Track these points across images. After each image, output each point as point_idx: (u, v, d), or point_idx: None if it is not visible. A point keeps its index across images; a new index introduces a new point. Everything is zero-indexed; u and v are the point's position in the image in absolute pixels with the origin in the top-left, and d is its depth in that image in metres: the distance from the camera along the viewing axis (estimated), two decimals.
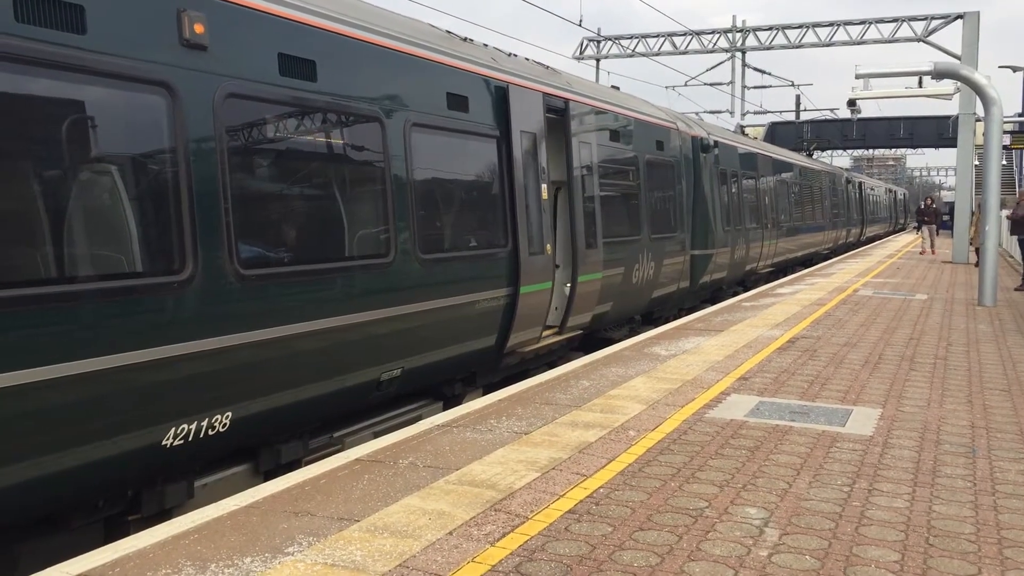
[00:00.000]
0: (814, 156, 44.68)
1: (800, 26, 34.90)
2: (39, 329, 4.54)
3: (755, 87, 46.04)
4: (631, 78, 41.64)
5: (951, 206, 37.71)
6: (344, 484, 5.27)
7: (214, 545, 4.34)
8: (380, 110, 7.30)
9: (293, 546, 4.32)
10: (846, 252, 35.52)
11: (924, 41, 30.82)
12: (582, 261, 10.66)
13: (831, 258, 31.42)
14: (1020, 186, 40.29)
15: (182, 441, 5.45)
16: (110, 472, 5.08)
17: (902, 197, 71.61)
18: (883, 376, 8.64)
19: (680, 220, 15.05)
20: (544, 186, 10.10)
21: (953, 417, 7.01)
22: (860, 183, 43.02)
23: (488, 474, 5.45)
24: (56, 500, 4.92)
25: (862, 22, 33.45)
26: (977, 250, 20.41)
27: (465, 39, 9.38)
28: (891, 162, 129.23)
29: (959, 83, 19.94)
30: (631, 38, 37.82)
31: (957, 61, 24.32)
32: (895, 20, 32.28)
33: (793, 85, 47.71)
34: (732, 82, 41.07)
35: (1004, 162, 40.03)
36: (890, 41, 32.45)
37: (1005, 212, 24.70)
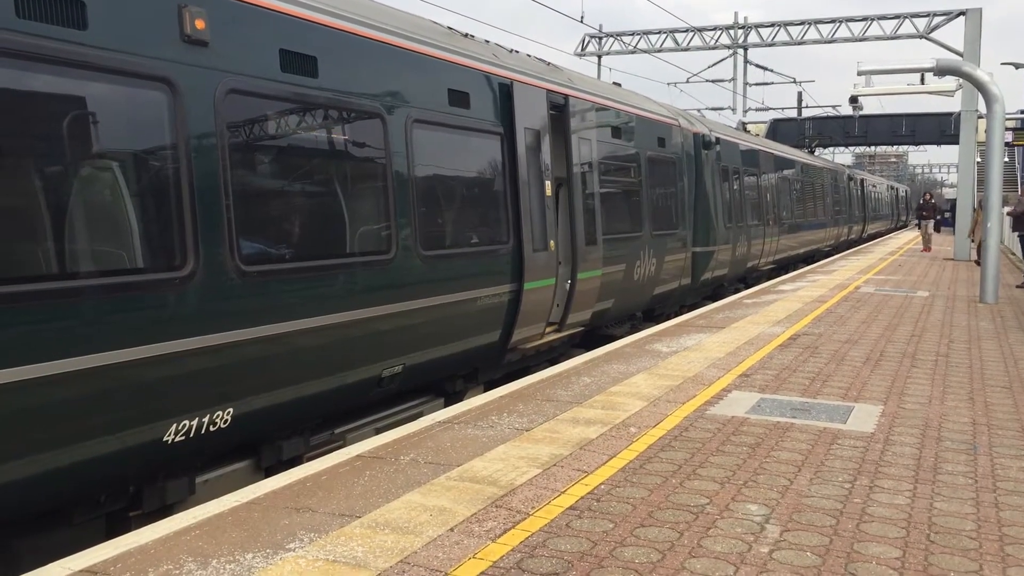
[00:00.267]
0: (816, 153, 44.65)
1: (802, 23, 34.87)
2: (41, 325, 4.54)
3: (757, 84, 46.05)
4: (633, 75, 41.79)
5: (953, 203, 37.69)
6: (345, 480, 5.28)
7: (215, 541, 4.34)
8: (381, 106, 7.29)
9: (294, 542, 4.32)
10: (848, 249, 35.50)
11: (926, 38, 30.78)
12: (582, 258, 10.65)
13: (833, 255, 31.40)
14: (1022, 183, 40.28)
15: (183, 437, 5.45)
16: (112, 468, 5.08)
17: (903, 194, 71.53)
18: (884, 373, 8.64)
19: (682, 217, 15.04)
20: (548, 183, 10.11)
21: (954, 414, 7.01)
22: (862, 180, 42.98)
23: (489, 470, 5.45)
24: (58, 496, 4.92)
25: (864, 19, 33.42)
26: (979, 247, 20.39)
27: (466, 35, 9.37)
28: (893, 159, 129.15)
29: (961, 80, 19.92)
30: (633, 34, 37.79)
31: (959, 58, 24.29)
32: (897, 17, 32.24)
33: (795, 82, 47.68)
34: (734, 79, 41.03)
35: (1006, 159, 40.01)
36: (892, 38, 32.43)
37: (1007, 209, 24.68)
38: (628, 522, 4.60)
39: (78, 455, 4.81)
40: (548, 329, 10.51)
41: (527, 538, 4.38)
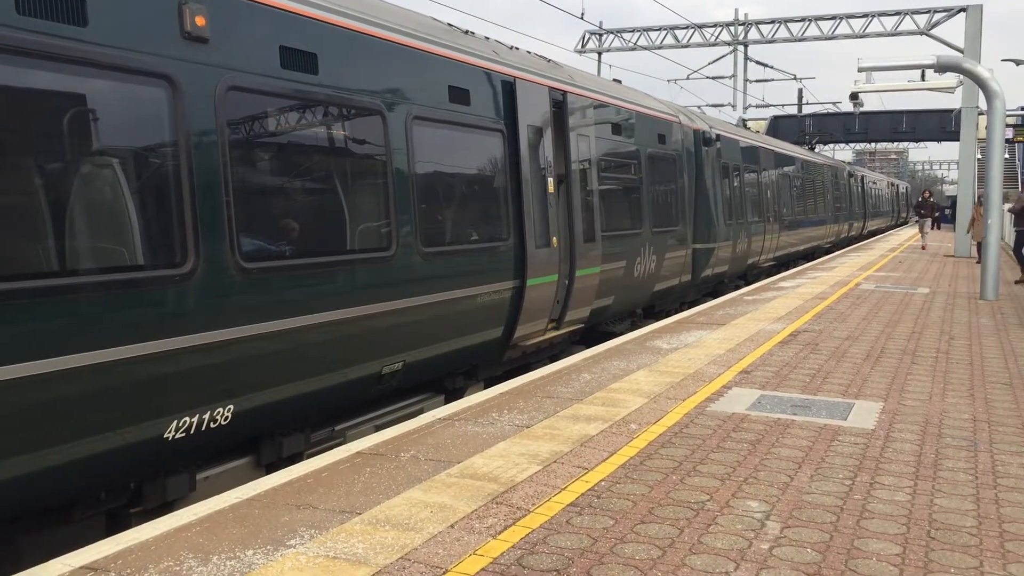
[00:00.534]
0: (816, 149, 44.63)
1: (802, 19, 34.86)
2: (40, 322, 4.54)
3: (757, 80, 46.00)
4: (633, 71, 41.79)
5: (953, 200, 37.68)
6: (346, 477, 5.28)
7: (216, 537, 4.35)
8: (382, 103, 7.29)
9: (295, 539, 4.33)
10: (848, 246, 35.49)
11: (927, 34, 30.76)
12: (580, 255, 10.64)
13: (833, 252, 31.40)
14: (1023, 180, 40.26)
15: (184, 434, 5.45)
16: (113, 464, 5.09)
17: (904, 191, 71.51)
18: (885, 370, 8.64)
19: (682, 214, 15.04)
20: (550, 180, 10.12)
21: (955, 411, 7.01)
22: (862, 176, 42.97)
23: (490, 467, 5.45)
24: (58, 492, 4.93)
25: (865, 15, 33.40)
26: (978, 245, 20.38)
27: (467, 32, 9.36)
28: (893, 156, 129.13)
29: (962, 77, 19.90)
30: (633, 31, 37.76)
31: (960, 54, 24.26)
32: (898, 13, 32.21)
33: (795, 78, 47.62)
34: (734, 75, 41.02)
35: (1006, 156, 40.00)
36: (893, 34, 32.40)
37: (1007, 206, 24.68)
38: (628, 518, 4.60)
39: (79, 452, 4.81)
40: (548, 326, 10.51)
41: (527, 535, 4.38)
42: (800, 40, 34.97)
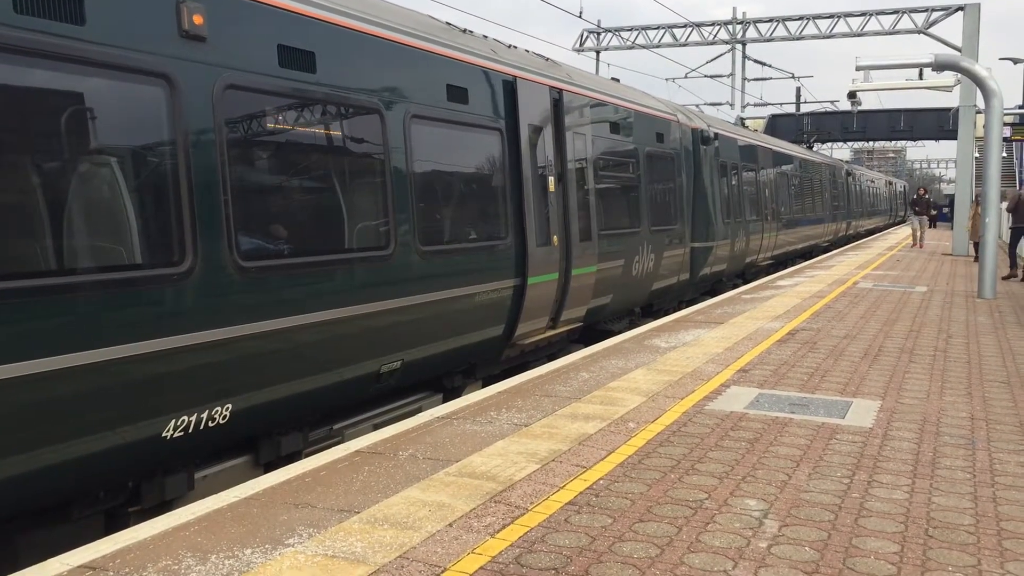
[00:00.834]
0: (814, 148, 44.65)
1: (800, 18, 34.84)
2: (38, 321, 4.54)
3: (755, 79, 45.91)
4: (631, 70, 41.76)
5: (951, 199, 37.70)
6: (344, 476, 5.28)
7: (214, 536, 4.35)
8: (380, 102, 7.29)
9: (293, 537, 4.33)
10: (846, 244, 35.52)
11: (925, 33, 30.77)
12: (576, 254, 10.62)
13: (831, 251, 31.41)
14: (1020, 178, 40.28)
15: (182, 433, 5.45)
16: (110, 464, 5.08)
17: (901, 189, 71.58)
18: (883, 368, 8.65)
19: (680, 212, 15.04)
20: (551, 179, 10.13)
21: (952, 409, 7.02)
22: (860, 175, 42.98)
23: (488, 466, 5.45)
24: (57, 491, 4.92)
25: (862, 14, 33.39)
26: (976, 244, 20.39)
27: (465, 31, 9.36)
28: (891, 154, 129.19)
29: (959, 75, 19.91)
30: (631, 30, 37.74)
31: (958, 53, 24.28)
32: (895, 12, 32.21)
33: (793, 77, 47.61)
34: (732, 74, 41.00)
35: (1004, 154, 39.99)
36: (891, 33, 32.40)
37: (1005, 204, 24.70)
38: (627, 517, 4.61)
39: (77, 451, 4.81)
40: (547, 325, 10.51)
41: (525, 533, 4.38)
42: (798, 39, 34.97)
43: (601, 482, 5.16)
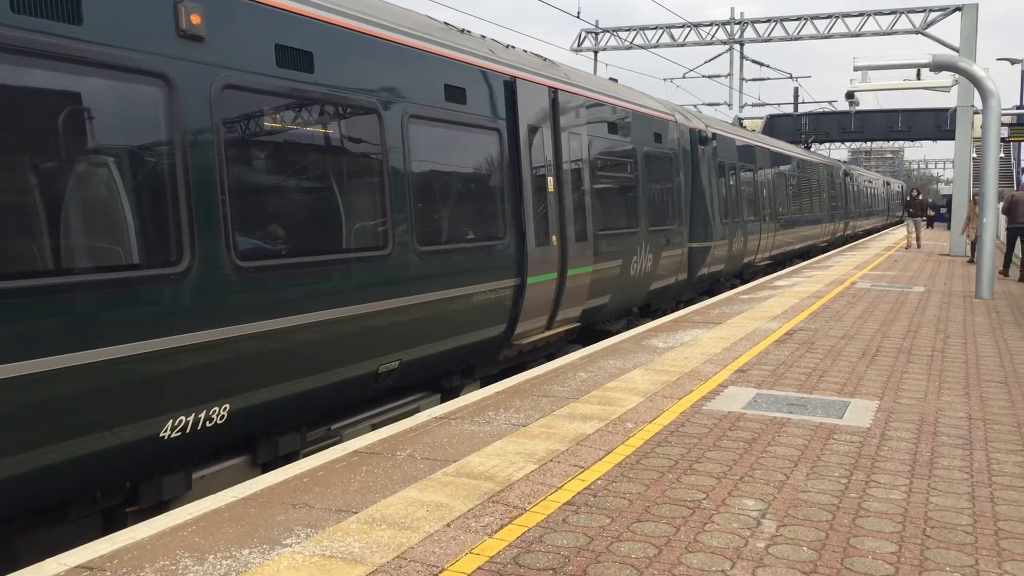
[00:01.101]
0: (812, 148, 44.67)
1: (798, 18, 34.86)
2: (35, 321, 4.53)
3: (753, 79, 45.91)
4: (629, 70, 41.83)
5: (949, 199, 37.73)
6: (342, 476, 5.28)
7: (212, 537, 4.34)
8: (378, 102, 7.28)
9: (291, 538, 4.32)
10: (844, 245, 35.53)
11: (923, 33, 30.80)
12: (571, 255, 10.62)
13: (829, 251, 31.43)
14: (1018, 178, 40.33)
15: (180, 433, 5.45)
16: (108, 464, 5.08)
17: (899, 190, 71.66)
18: (880, 368, 8.66)
19: (678, 212, 15.04)
20: (550, 179, 10.13)
21: (950, 409, 7.02)
22: (858, 175, 43.01)
23: (486, 466, 5.45)
24: (54, 492, 4.92)
25: (860, 14, 33.41)
26: (973, 245, 20.39)
27: (463, 31, 9.36)
28: (889, 155, 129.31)
29: (957, 75, 19.93)
30: (629, 30, 37.74)
31: (955, 53, 24.31)
32: (893, 12, 32.23)
33: (791, 77, 47.61)
34: (730, 74, 40.98)
35: (1002, 155, 40.06)
36: (889, 33, 32.43)
37: (1000, 205, 24.71)
38: (624, 517, 4.61)
39: (74, 451, 4.80)
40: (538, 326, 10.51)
41: (523, 533, 4.38)
42: (796, 39, 34.98)
43: (599, 482, 5.16)
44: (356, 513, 4.65)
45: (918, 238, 30.51)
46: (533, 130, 9.88)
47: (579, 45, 38.33)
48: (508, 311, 9.19)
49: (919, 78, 23.91)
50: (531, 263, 9.45)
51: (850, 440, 6.10)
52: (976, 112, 26.52)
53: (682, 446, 5.92)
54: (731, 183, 18.53)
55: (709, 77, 42.22)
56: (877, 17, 32.92)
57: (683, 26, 36.75)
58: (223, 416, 5.74)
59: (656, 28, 36.91)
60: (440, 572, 3.93)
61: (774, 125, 51.65)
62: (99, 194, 4.95)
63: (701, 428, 6.38)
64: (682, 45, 37.01)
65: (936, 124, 51.75)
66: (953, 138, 28.35)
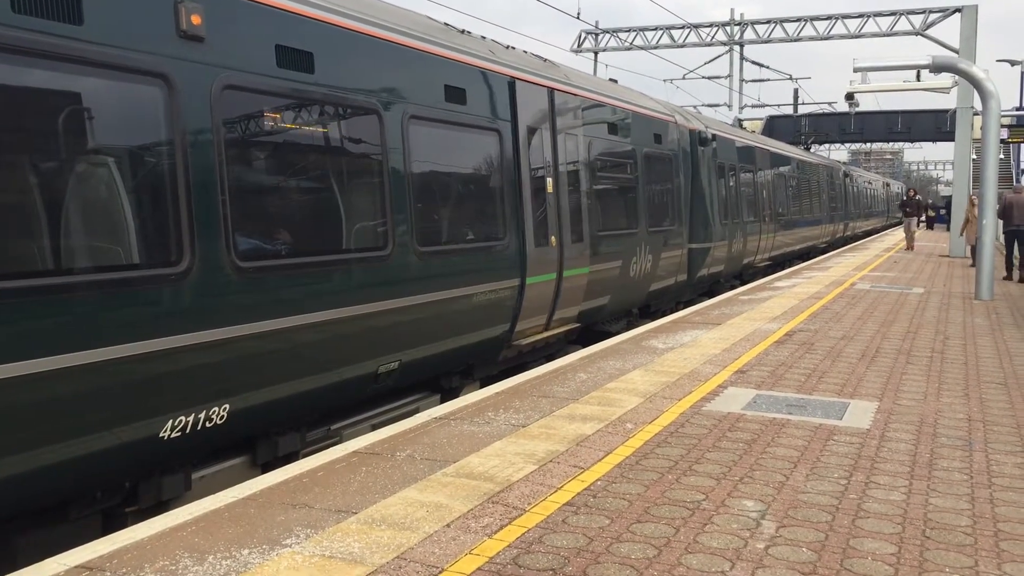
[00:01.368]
0: (812, 149, 44.67)
1: (798, 19, 34.89)
2: (35, 321, 4.53)
3: (753, 80, 46.00)
4: (629, 71, 41.89)
5: (948, 200, 37.73)
6: (342, 476, 5.28)
7: (212, 537, 4.34)
8: (378, 102, 7.29)
9: (291, 538, 4.32)
10: (843, 246, 35.54)
11: (922, 35, 30.81)
12: (568, 256, 10.61)
13: (828, 252, 31.43)
14: (1017, 180, 40.33)
15: (179, 433, 5.45)
16: (108, 464, 5.08)
17: (898, 191, 71.70)
18: (880, 369, 8.66)
19: (678, 213, 15.05)
20: (549, 179, 10.14)
21: (950, 410, 7.03)
22: (857, 177, 43.03)
23: (486, 467, 5.45)
24: (54, 492, 4.92)
25: (860, 15, 33.42)
26: (973, 249, 20.37)
27: (463, 31, 9.36)
28: (889, 156, 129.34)
29: (957, 77, 19.94)
30: (629, 31, 37.77)
31: (955, 55, 24.32)
32: (893, 14, 32.25)
33: (791, 78, 47.67)
34: (730, 75, 41.03)
35: (1002, 156, 40.07)
36: (888, 35, 32.45)
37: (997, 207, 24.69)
38: (624, 518, 4.61)
39: (74, 451, 4.80)
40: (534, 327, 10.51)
41: (523, 534, 4.38)
42: (796, 40, 35.00)
43: (599, 483, 5.16)
44: (356, 513, 4.65)
45: (911, 238, 30.45)
46: (533, 131, 9.89)
47: (579, 46, 38.34)
48: (507, 312, 9.20)
49: (919, 79, 23.91)
50: (530, 263, 9.46)
51: (850, 441, 6.10)
52: (976, 113, 26.55)
53: (682, 447, 5.92)
54: (731, 184, 18.53)
55: (709, 78, 42.27)
56: (877, 18, 32.94)
57: (683, 27, 36.78)
58: (223, 416, 5.74)
59: (656, 29, 36.93)
60: (440, 572, 3.93)
61: (774, 126, 51.64)
62: (99, 194, 4.95)
63: (701, 429, 6.38)
64: (682, 46, 37.04)
65: (936, 125, 51.75)
66: (953, 139, 28.36)
